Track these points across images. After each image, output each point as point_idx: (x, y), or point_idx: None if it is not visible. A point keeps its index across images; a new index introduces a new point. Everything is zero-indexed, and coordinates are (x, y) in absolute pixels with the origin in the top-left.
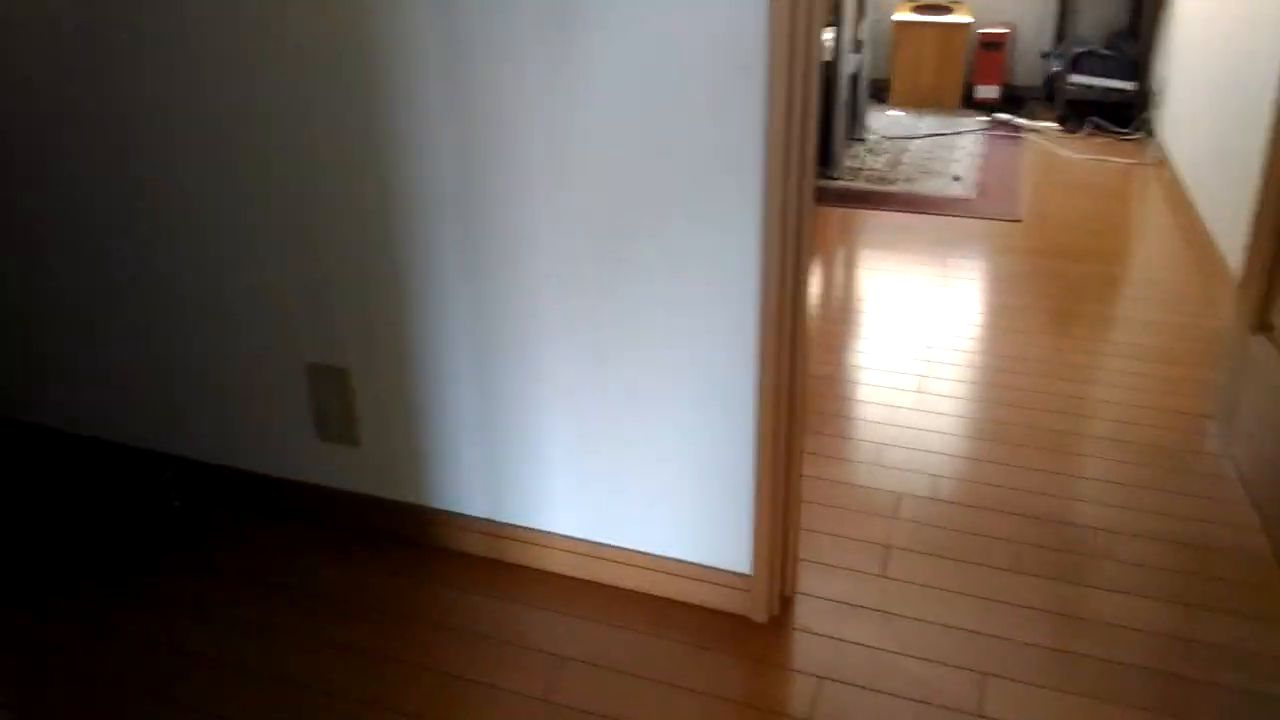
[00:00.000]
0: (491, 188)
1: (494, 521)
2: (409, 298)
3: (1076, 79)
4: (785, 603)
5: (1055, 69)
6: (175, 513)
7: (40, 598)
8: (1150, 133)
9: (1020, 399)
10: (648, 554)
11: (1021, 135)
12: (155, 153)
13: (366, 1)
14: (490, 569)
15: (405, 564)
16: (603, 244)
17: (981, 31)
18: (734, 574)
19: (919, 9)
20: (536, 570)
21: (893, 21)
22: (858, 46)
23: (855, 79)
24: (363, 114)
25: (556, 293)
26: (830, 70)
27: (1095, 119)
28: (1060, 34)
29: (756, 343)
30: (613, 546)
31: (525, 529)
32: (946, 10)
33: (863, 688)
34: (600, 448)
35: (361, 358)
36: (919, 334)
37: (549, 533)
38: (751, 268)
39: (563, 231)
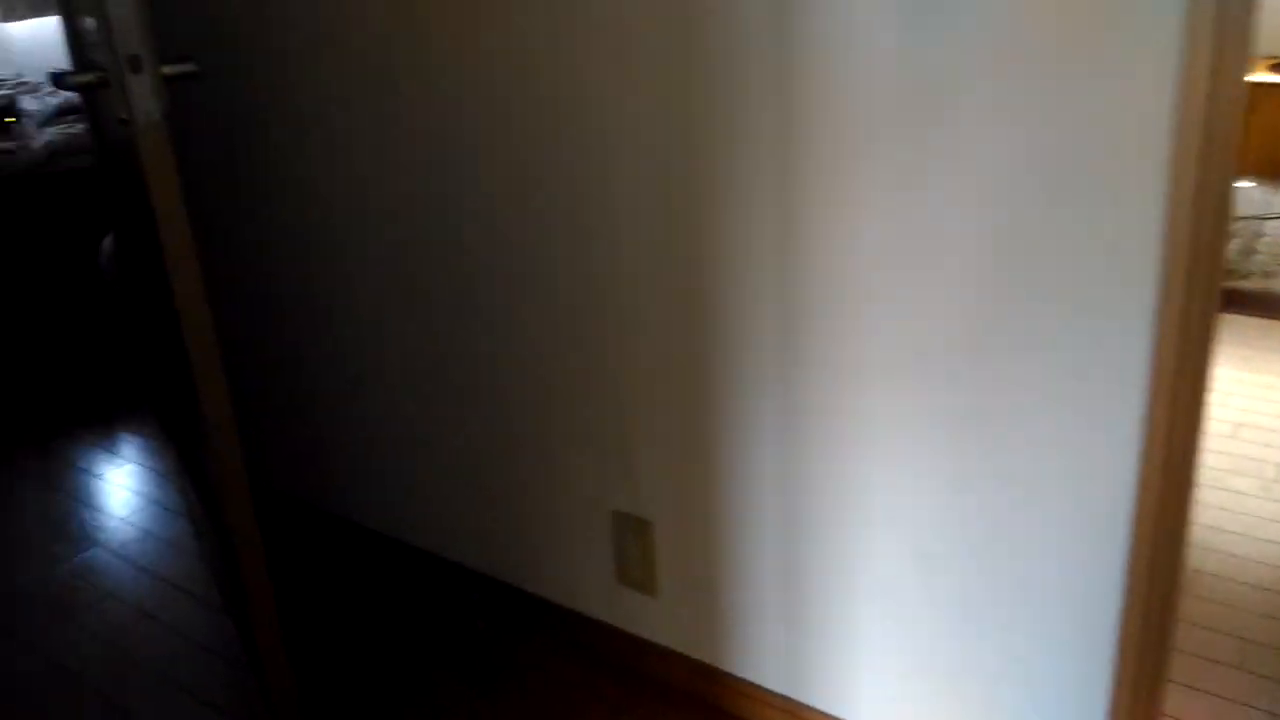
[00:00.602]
0: (815, 350)
1: (793, 700)
2: (718, 461)
3: None
4: None
5: None
6: (479, 633)
7: (352, 708)
8: None
9: None
10: None
11: None
12: (489, 316)
13: (695, 138)
14: None
15: None
16: (935, 426)
17: None
18: None
19: (1276, 67)
20: None
21: (1245, 83)
22: None
23: None
24: (684, 256)
25: (878, 477)
26: None
27: None
28: None
29: (1125, 552)
30: None
31: (828, 715)
32: None
33: None
34: (919, 650)
35: (666, 512)
36: None
37: None
38: (1127, 467)
39: (890, 405)
